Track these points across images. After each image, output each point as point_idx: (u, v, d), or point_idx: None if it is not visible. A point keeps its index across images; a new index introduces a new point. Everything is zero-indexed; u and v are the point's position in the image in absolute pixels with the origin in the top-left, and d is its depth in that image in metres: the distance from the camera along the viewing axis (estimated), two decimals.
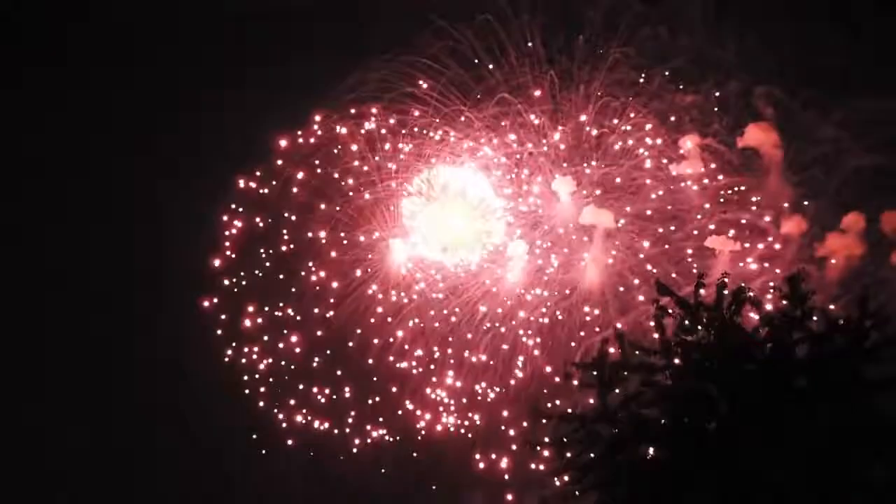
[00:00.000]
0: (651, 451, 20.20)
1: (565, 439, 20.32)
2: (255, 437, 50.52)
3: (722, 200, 48.77)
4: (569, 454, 20.48)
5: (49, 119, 52.06)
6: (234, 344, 50.28)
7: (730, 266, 46.62)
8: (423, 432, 49.00)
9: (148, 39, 53.16)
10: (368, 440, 49.47)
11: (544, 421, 20.84)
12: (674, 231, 48.85)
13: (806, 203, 47.92)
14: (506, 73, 49.01)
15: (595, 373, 20.50)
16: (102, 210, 53.00)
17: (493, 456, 48.25)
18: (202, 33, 51.83)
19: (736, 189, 48.77)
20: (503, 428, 48.35)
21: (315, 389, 50.04)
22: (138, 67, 52.95)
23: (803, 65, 46.98)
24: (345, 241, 49.98)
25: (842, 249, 46.73)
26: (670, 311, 20.78)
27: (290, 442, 50.10)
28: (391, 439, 49.58)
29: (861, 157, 46.60)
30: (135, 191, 52.11)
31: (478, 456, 48.51)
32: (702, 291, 21.18)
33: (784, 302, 20.37)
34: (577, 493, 20.22)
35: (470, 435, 48.98)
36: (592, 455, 20.27)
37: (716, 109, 48.84)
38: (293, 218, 50.44)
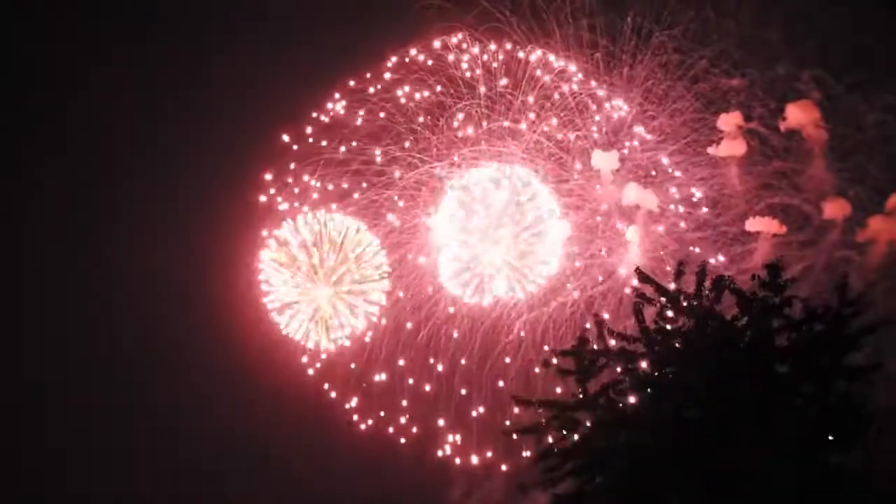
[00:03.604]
0: (630, 438, 20.30)
1: (544, 426, 20.52)
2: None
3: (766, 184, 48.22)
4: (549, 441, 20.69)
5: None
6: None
7: (771, 250, 46.31)
8: None
9: None
10: None
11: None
12: (717, 215, 48.46)
13: (849, 188, 47.15)
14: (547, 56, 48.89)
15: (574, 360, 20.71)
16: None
17: None
18: None
19: (779, 173, 48.21)
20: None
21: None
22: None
23: (849, 48, 46.31)
24: None
25: (885, 233, 46.02)
26: (651, 299, 20.88)
27: None
28: None
29: None
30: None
31: None
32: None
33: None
34: (556, 479, 20.41)
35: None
36: (571, 442, 20.46)
37: (760, 93, 48.27)
38: None
